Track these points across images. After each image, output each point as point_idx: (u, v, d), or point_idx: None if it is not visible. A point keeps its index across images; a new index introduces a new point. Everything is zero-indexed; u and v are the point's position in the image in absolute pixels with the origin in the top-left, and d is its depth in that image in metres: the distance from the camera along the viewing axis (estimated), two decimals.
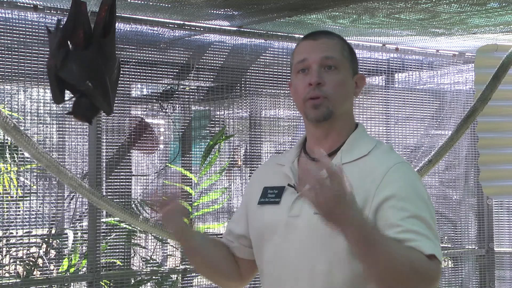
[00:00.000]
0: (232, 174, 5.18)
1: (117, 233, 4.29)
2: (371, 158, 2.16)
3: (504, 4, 3.72)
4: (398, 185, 2.08)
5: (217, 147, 4.54)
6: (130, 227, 4.27)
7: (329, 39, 2.25)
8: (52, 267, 4.13)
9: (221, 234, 5.21)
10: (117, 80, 3.27)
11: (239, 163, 5.23)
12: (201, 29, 4.32)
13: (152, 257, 4.90)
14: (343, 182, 1.86)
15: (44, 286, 3.91)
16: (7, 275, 4.13)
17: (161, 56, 4.34)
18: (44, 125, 4.06)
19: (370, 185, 2.09)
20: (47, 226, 4.22)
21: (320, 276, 2.11)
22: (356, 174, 2.11)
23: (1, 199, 4.06)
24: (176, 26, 4.23)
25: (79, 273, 4.12)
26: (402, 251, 1.97)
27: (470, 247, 5.37)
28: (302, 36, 2.32)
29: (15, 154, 4.16)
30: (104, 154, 4.09)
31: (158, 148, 4.77)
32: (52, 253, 4.34)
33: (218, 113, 4.89)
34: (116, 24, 4.07)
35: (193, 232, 2.37)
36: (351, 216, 1.87)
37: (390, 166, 2.11)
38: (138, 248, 4.77)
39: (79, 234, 4.26)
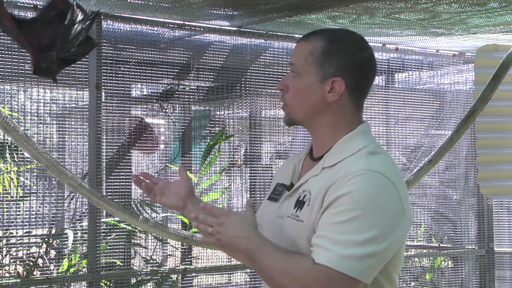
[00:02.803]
0: (232, 174, 5.18)
1: (117, 233, 4.29)
2: (343, 164, 2.09)
3: (504, 4, 3.72)
4: (344, 191, 2.01)
5: (217, 147, 4.54)
6: (130, 227, 4.27)
7: (305, 41, 2.19)
8: (52, 267, 4.13)
9: None
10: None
11: (239, 163, 5.23)
12: (201, 29, 4.32)
13: (152, 257, 4.90)
14: (229, 213, 2.07)
15: (44, 286, 3.91)
16: (7, 275, 4.13)
17: (161, 56, 4.34)
18: (44, 125, 4.06)
19: (327, 190, 2.05)
20: (47, 226, 4.22)
21: None
22: (327, 179, 2.08)
23: (1, 199, 4.06)
24: (176, 26, 4.23)
25: (79, 273, 4.12)
26: (287, 266, 2.00)
27: (470, 247, 5.37)
28: (301, 36, 2.31)
29: (15, 154, 4.17)
30: (104, 154, 4.09)
31: (158, 148, 4.77)
32: (52, 253, 4.34)
33: (218, 113, 4.89)
34: (116, 24, 4.12)
35: (193, 206, 2.40)
36: (237, 237, 2.04)
37: (353, 172, 2.03)
38: (138, 248, 4.77)
39: (79, 234, 4.26)
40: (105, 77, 4.06)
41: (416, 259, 5.43)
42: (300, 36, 2.29)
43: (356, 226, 1.97)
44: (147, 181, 2.46)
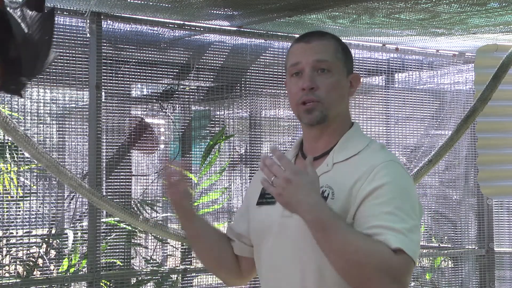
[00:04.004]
0: (232, 174, 5.18)
1: (117, 233, 4.29)
2: (361, 157, 2.17)
3: (504, 4, 3.72)
4: (381, 182, 2.07)
5: (217, 147, 4.54)
6: (130, 227, 4.27)
7: (322, 40, 2.25)
8: (52, 267, 4.13)
9: None
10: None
11: (239, 163, 5.23)
12: (201, 29, 4.32)
13: (152, 257, 4.90)
14: (297, 171, 1.98)
15: (44, 286, 3.91)
16: (7, 275, 4.13)
17: (161, 56, 4.34)
18: (44, 125, 4.06)
19: (356, 183, 2.10)
20: (47, 226, 4.22)
21: (311, 274, 2.13)
22: (345, 173, 2.14)
23: (1, 199, 4.06)
24: (176, 26, 4.23)
25: (79, 273, 4.12)
26: (362, 243, 1.98)
27: (470, 247, 5.36)
28: (311, 36, 2.32)
29: (15, 154, 4.16)
30: (104, 154, 4.09)
31: (158, 148, 4.77)
32: (52, 253, 4.34)
33: (218, 113, 4.89)
34: (116, 24, 4.11)
35: (198, 219, 2.41)
36: (307, 203, 1.97)
37: (377, 165, 2.11)
38: (138, 248, 4.77)
39: (79, 234, 4.26)
40: (105, 77, 4.05)
41: None
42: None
43: (403, 214, 2.04)
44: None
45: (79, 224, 4.40)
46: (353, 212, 2.08)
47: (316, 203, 1.98)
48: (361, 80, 2.31)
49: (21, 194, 4.14)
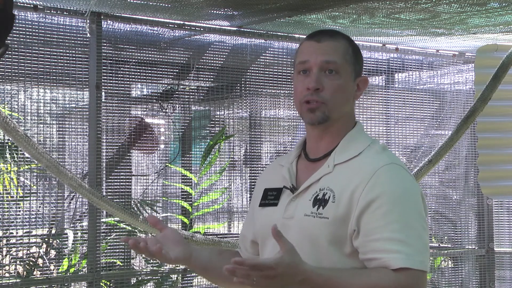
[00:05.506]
0: (232, 174, 5.18)
1: (117, 233, 4.29)
2: (362, 158, 2.14)
3: (504, 4, 3.72)
4: (384, 188, 2.05)
5: (217, 147, 4.54)
6: (130, 227, 4.27)
7: (334, 41, 2.22)
8: (52, 267, 4.13)
9: (222, 234, 5.23)
10: None
11: (239, 163, 5.23)
12: (201, 29, 4.32)
13: None
14: (266, 270, 1.90)
15: (44, 286, 3.91)
16: (7, 275, 4.13)
17: (161, 56, 4.34)
18: (44, 125, 4.06)
19: (356, 186, 2.08)
20: (47, 226, 4.22)
21: None
22: (346, 175, 2.11)
23: (1, 199, 4.06)
24: (176, 26, 4.24)
25: (79, 273, 4.12)
26: (361, 282, 1.99)
27: (470, 247, 5.37)
28: (302, 36, 2.31)
29: (15, 154, 4.17)
30: (104, 154, 4.09)
31: (158, 148, 4.77)
32: (52, 253, 4.34)
33: (218, 113, 4.89)
34: (116, 24, 4.12)
35: (197, 254, 2.27)
36: (299, 280, 1.94)
37: (378, 168, 2.08)
38: None
39: (79, 234, 4.26)
40: (105, 77, 4.06)
41: None
42: (301, 36, 2.30)
43: (408, 221, 2.04)
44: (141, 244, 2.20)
45: (79, 224, 4.40)
46: (355, 219, 2.06)
47: (304, 278, 1.95)
48: (369, 82, 2.28)
49: (21, 194, 4.14)
